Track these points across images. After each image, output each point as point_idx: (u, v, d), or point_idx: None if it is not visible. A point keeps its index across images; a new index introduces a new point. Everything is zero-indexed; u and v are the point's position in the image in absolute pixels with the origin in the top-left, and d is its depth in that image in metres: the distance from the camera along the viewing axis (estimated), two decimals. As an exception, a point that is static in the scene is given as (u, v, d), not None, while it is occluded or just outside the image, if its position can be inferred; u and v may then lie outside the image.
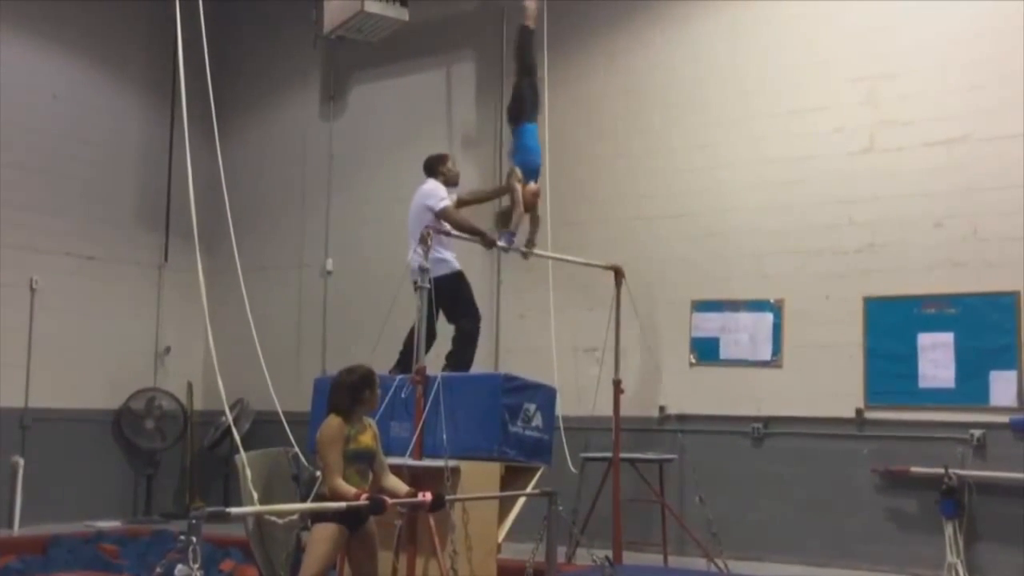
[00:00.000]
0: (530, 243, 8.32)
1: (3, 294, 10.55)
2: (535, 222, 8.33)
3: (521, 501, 7.32)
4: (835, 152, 8.79)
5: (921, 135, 8.43)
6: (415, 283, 7.89)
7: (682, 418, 9.15)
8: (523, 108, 8.41)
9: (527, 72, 8.59)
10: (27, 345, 10.70)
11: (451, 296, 7.82)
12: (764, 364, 8.96)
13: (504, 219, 8.11)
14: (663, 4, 9.80)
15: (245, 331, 7.48)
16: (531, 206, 8.17)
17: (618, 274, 8.49)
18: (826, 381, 8.61)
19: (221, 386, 7.09)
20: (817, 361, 8.67)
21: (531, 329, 9.82)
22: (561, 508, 6.59)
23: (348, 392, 5.71)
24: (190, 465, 11.92)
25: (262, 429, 10.36)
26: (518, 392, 7.38)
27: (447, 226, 7.80)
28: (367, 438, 5.73)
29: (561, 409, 8.00)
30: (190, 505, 11.28)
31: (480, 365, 9.50)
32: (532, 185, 8.19)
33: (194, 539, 4.21)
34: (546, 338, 8.98)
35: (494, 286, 10.34)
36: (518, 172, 8.13)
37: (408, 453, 6.78)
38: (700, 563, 8.14)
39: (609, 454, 8.22)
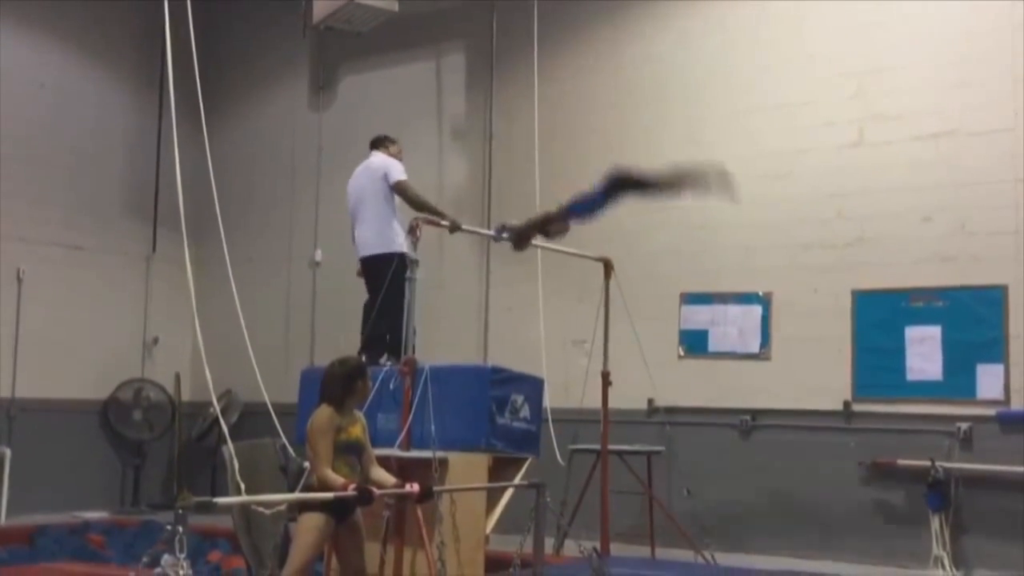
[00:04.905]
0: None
1: (-10, 283, 10.53)
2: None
3: (509, 492, 7.32)
4: (824, 146, 8.79)
5: (910, 129, 8.45)
6: (362, 261, 7.85)
7: (670, 410, 9.14)
8: None
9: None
10: (14, 335, 10.66)
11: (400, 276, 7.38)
12: (752, 357, 8.98)
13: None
14: (653, -3, 9.80)
15: (233, 322, 7.47)
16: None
17: (607, 266, 8.47)
18: (814, 374, 8.64)
19: (209, 377, 7.07)
20: (805, 354, 8.69)
21: (520, 321, 9.80)
22: (549, 500, 6.59)
23: (340, 383, 5.70)
24: (178, 456, 11.89)
25: (250, 420, 10.35)
26: (506, 384, 7.38)
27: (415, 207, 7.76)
28: (357, 430, 5.72)
29: (549, 401, 8.01)
30: (177, 496, 11.26)
31: (469, 356, 9.52)
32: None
33: (180, 529, 4.20)
34: (535, 330, 8.96)
35: (483, 278, 10.33)
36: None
37: (396, 444, 6.77)
38: (687, 555, 8.15)
39: (597, 446, 8.22)
